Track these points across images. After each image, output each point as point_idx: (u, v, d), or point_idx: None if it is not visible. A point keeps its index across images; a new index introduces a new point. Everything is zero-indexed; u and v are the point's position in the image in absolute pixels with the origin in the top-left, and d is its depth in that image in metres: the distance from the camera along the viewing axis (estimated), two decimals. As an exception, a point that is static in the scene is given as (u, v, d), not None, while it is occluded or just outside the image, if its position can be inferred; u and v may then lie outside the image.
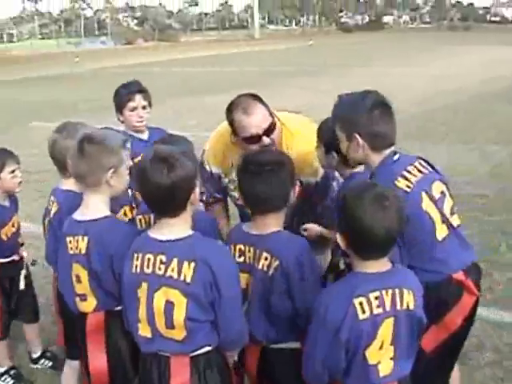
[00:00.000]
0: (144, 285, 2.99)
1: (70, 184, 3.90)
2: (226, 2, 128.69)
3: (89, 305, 3.38)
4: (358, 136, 3.33)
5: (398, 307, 2.81)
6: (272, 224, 3.29)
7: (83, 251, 3.28)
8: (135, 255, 3.04)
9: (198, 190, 3.07)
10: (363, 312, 2.77)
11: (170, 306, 2.93)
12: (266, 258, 3.20)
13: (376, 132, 3.32)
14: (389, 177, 3.26)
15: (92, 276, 3.30)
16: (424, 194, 3.27)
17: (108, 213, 3.39)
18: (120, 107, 4.95)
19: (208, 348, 3.02)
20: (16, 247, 4.92)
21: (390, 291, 2.81)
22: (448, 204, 3.37)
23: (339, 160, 3.76)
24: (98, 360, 3.40)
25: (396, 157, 3.37)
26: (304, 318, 3.12)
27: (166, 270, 2.94)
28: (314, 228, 4.09)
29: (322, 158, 3.91)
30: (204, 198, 4.68)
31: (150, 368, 3.06)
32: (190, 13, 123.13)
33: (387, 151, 3.37)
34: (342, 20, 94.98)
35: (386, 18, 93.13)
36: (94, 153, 3.29)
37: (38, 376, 5.08)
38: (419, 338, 2.99)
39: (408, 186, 3.25)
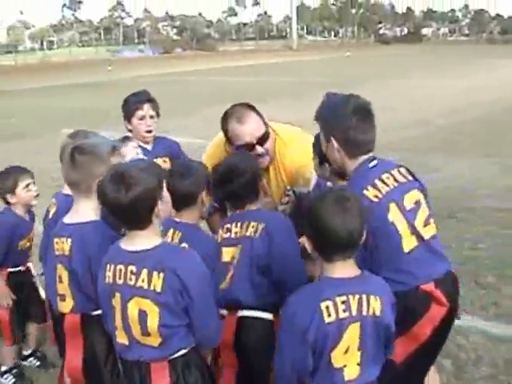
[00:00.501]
0: (117, 295, 3.05)
1: None
2: (265, 13, 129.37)
3: (66, 305, 3.46)
4: (333, 140, 3.34)
5: (365, 313, 2.84)
6: (250, 207, 3.74)
7: (66, 252, 3.38)
8: (107, 266, 3.10)
9: (160, 202, 3.10)
10: (329, 315, 2.79)
11: (143, 314, 2.99)
12: (253, 226, 3.60)
13: (352, 139, 3.31)
14: (359, 185, 3.25)
15: (72, 277, 3.39)
16: (393, 205, 3.22)
17: (96, 218, 3.46)
18: (128, 116, 5.03)
19: (184, 350, 3.07)
20: (25, 259, 5.08)
21: (356, 296, 2.83)
22: (422, 215, 3.33)
23: (331, 171, 3.79)
24: (74, 359, 3.49)
25: (372, 163, 3.36)
26: (283, 287, 3.42)
27: (136, 281, 3.00)
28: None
29: (317, 168, 3.95)
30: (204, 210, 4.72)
31: (131, 373, 3.11)
32: (228, 23, 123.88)
33: (364, 157, 3.36)
34: (381, 32, 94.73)
35: (424, 30, 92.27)
36: (85, 162, 3.40)
37: (39, 375, 5.16)
38: (387, 346, 3.00)
39: (376, 196, 3.22)
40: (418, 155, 12.82)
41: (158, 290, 2.95)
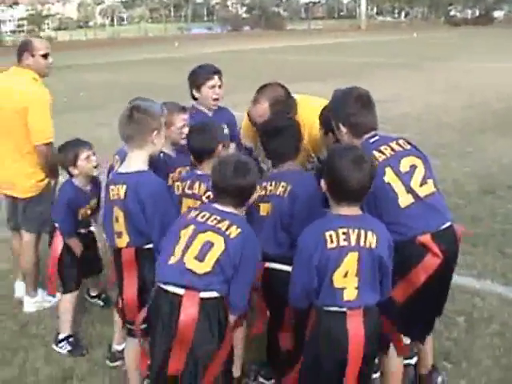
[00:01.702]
0: (191, 227, 3.69)
1: None
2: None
3: (123, 241, 4.14)
4: (341, 126, 4.05)
5: (362, 244, 3.46)
6: (289, 165, 4.33)
7: (122, 197, 4.05)
8: (195, 211, 3.81)
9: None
10: (331, 242, 3.45)
11: (209, 244, 3.60)
12: (283, 186, 4.18)
13: (355, 122, 4.01)
14: None
15: (127, 217, 4.06)
16: (388, 169, 3.84)
17: (145, 168, 4.14)
18: (198, 84, 5.53)
19: (216, 294, 3.60)
20: (87, 224, 5.59)
21: (356, 230, 3.47)
22: (417, 176, 3.90)
23: (334, 140, 4.40)
24: (130, 288, 4.14)
25: (373, 139, 4.01)
26: None
27: (217, 223, 3.66)
28: None
29: (322, 139, 4.61)
30: None
31: (161, 303, 3.64)
32: (298, 2, 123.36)
33: (367, 135, 4.02)
34: (451, 13, 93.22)
35: (496, 13, 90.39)
36: (140, 118, 4.08)
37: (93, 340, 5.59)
38: (385, 281, 3.59)
39: None
40: (468, 135, 13.20)
41: (232, 236, 3.60)
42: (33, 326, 5.65)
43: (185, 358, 3.55)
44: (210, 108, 5.57)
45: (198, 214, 3.74)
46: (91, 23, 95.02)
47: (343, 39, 56.20)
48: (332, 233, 3.46)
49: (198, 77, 5.56)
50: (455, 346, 5.08)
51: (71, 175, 5.34)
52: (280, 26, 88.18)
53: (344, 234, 3.46)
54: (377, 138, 4.03)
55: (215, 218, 3.67)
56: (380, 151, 3.91)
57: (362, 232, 3.47)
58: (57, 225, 5.36)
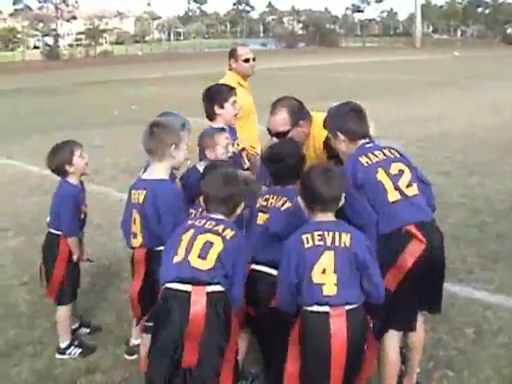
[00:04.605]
0: (190, 230, 4.02)
1: None
2: (391, 10, 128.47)
3: (137, 241, 4.54)
4: (339, 133, 4.56)
5: (337, 244, 3.81)
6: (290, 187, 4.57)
7: (141, 201, 4.45)
8: (192, 219, 4.18)
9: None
10: (307, 242, 3.84)
11: (209, 244, 3.93)
12: (285, 200, 4.46)
13: (351, 129, 4.54)
14: (357, 154, 4.44)
15: (143, 220, 4.46)
16: (380, 169, 4.33)
17: (166, 177, 4.54)
18: (221, 101, 5.75)
19: (220, 288, 3.92)
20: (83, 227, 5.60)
21: (330, 233, 3.85)
22: (404, 179, 4.37)
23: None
24: (135, 285, 4.55)
25: (369, 145, 4.54)
26: None
27: (214, 227, 4.01)
28: None
29: (333, 143, 4.82)
30: None
31: (170, 302, 3.91)
32: (354, 19, 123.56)
33: (362, 141, 4.54)
34: (508, 32, 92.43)
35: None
36: (160, 133, 4.49)
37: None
38: (369, 281, 3.85)
39: (367, 162, 4.37)
40: (508, 154, 13.26)
41: (228, 237, 3.96)
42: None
43: (197, 351, 3.84)
44: (231, 124, 5.81)
45: (195, 221, 4.10)
46: (148, 38, 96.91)
47: (397, 57, 56.30)
48: (308, 235, 3.84)
49: (222, 94, 5.78)
50: (460, 356, 5.26)
51: (65, 175, 5.31)
52: (335, 43, 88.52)
53: (319, 236, 3.82)
54: (371, 144, 4.57)
55: (211, 223, 4.03)
56: (374, 154, 4.44)
57: (337, 233, 3.82)
58: (53, 230, 5.36)
